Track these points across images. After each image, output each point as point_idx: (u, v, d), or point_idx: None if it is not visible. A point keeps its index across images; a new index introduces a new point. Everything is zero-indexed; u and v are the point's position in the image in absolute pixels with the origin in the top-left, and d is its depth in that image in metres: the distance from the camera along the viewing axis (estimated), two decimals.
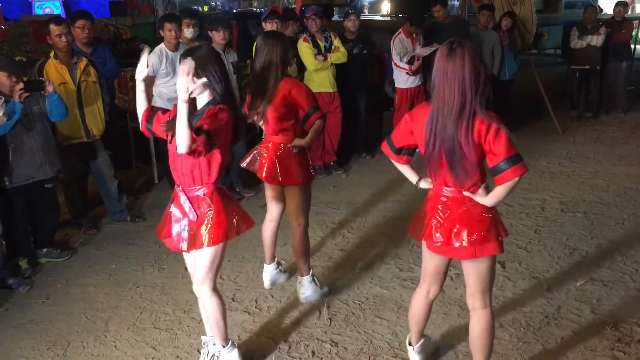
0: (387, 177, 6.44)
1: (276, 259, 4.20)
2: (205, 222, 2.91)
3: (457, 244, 2.65)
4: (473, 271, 2.77)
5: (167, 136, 2.95)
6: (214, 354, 3.23)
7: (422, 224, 2.78)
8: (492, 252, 2.69)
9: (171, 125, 2.83)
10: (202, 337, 3.32)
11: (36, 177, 4.40)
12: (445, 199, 2.70)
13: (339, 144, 6.78)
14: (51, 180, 4.55)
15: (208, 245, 2.92)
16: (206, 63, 2.84)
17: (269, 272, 4.16)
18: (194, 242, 2.94)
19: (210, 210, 2.91)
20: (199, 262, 3.04)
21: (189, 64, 2.73)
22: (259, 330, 3.66)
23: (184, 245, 2.97)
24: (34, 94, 4.27)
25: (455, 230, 2.65)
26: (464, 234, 2.63)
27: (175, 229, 2.99)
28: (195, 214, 2.92)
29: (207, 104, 2.86)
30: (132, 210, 5.65)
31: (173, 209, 3.00)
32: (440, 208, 2.70)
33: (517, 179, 2.53)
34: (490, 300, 2.83)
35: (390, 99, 7.75)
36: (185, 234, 2.96)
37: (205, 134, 2.72)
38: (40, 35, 8.32)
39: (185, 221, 2.95)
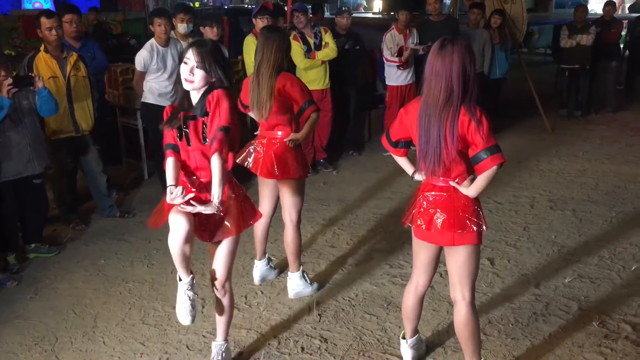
0: (377, 174, 6.47)
1: (267, 255, 4.20)
2: (230, 212, 2.89)
3: (436, 229, 2.75)
4: (452, 261, 2.86)
5: (175, 136, 2.88)
6: (218, 351, 3.22)
7: (410, 210, 2.89)
8: (471, 241, 2.77)
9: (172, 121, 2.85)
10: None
11: (24, 172, 4.37)
12: (431, 187, 2.81)
13: (329, 141, 6.79)
14: (40, 175, 4.52)
15: (236, 233, 2.91)
16: (213, 56, 2.81)
17: (259, 268, 4.16)
18: (219, 233, 2.91)
19: (232, 198, 2.89)
20: (222, 255, 3.02)
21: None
22: (249, 326, 3.66)
23: (210, 236, 2.94)
24: (24, 89, 4.24)
25: (436, 215, 2.76)
26: (444, 219, 2.74)
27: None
28: (219, 206, 2.82)
29: (206, 91, 2.82)
30: (122, 206, 5.62)
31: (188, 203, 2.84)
32: (427, 195, 2.81)
33: (495, 167, 2.64)
34: (470, 293, 2.87)
35: (379, 97, 7.78)
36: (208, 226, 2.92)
37: (225, 130, 2.74)
38: (29, 29, 8.28)
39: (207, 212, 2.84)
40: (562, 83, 9.07)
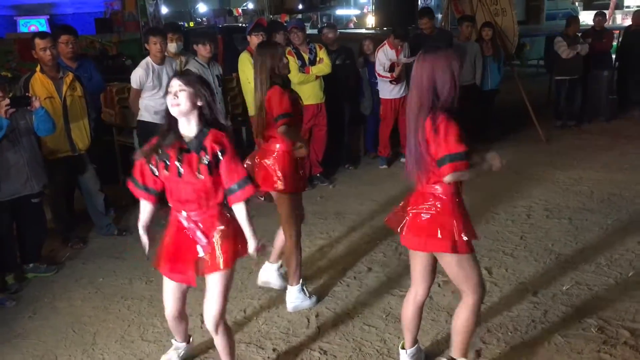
0: (373, 187, 6.50)
1: (280, 262, 4.19)
2: (217, 244, 2.83)
3: (408, 232, 2.83)
4: (446, 268, 2.92)
5: (161, 168, 2.85)
6: None
7: (396, 214, 2.98)
8: (445, 249, 2.77)
9: (154, 150, 2.85)
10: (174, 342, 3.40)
11: (22, 192, 4.38)
12: (415, 194, 2.87)
13: (324, 155, 6.82)
14: (37, 195, 4.53)
15: (224, 267, 2.83)
16: (200, 88, 2.76)
17: (267, 270, 4.17)
18: (207, 266, 2.85)
19: (219, 231, 2.84)
20: (213, 290, 2.90)
21: None
22: (248, 340, 3.66)
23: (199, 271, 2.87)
24: (21, 109, 4.27)
25: (415, 219, 2.81)
26: (419, 223, 2.79)
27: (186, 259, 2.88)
28: (205, 239, 2.83)
29: (204, 129, 2.79)
30: (119, 225, 5.63)
31: (176, 237, 2.90)
32: (409, 201, 2.88)
33: (451, 175, 2.65)
34: (472, 295, 2.90)
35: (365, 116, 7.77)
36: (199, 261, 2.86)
37: (250, 180, 2.83)
38: (25, 52, 8.31)
39: (198, 246, 2.86)
40: (559, 93, 9.10)
